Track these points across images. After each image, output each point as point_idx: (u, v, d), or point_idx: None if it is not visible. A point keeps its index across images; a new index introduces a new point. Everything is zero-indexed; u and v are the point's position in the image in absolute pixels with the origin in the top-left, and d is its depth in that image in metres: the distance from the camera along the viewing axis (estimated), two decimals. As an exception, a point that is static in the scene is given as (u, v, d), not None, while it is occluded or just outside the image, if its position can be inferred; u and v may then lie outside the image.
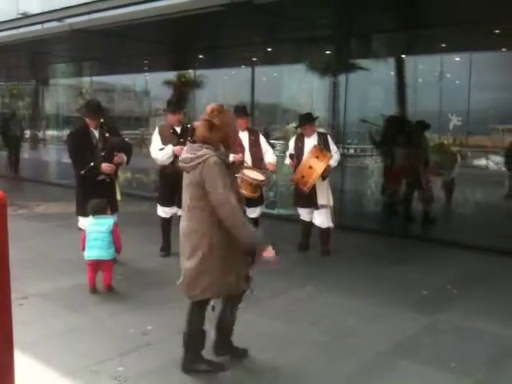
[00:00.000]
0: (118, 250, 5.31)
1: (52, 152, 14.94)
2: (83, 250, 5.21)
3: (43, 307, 4.85)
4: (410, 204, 8.57)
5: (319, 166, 6.29)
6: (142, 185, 11.49)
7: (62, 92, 15.05)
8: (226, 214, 3.27)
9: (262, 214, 7.02)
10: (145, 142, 11.39)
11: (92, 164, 5.78)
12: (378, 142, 8.92)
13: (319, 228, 6.77)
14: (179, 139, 6.37)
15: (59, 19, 9.45)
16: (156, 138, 6.47)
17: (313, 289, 5.47)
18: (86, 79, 13.93)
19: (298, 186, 6.56)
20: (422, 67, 8.63)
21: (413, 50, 8.76)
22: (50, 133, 15.55)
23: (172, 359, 3.75)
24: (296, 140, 6.83)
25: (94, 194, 5.53)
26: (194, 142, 3.53)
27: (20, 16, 10.69)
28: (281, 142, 10.09)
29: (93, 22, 8.61)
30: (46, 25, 9.72)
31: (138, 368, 3.68)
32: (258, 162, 6.65)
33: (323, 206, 6.64)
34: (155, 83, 12.42)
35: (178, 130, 6.47)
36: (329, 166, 6.41)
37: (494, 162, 8.05)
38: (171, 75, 12.00)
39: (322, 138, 6.69)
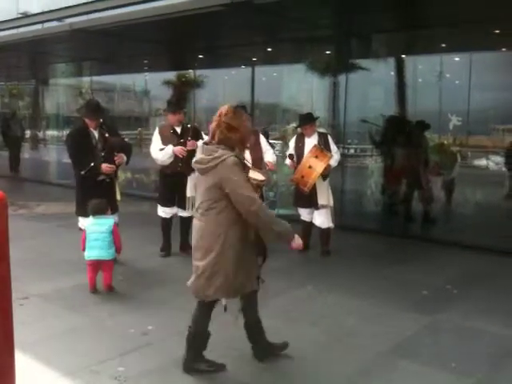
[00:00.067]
0: (118, 250, 5.32)
1: (52, 152, 14.93)
2: (84, 250, 5.21)
3: (44, 307, 4.85)
4: (410, 204, 8.57)
5: (319, 166, 6.29)
6: (143, 185, 11.49)
7: (62, 92, 15.05)
8: (254, 214, 3.31)
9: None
10: (144, 142, 11.40)
11: (92, 164, 5.78)
12: (378, 142, 8.92)
13: (319, 228, 6.77)
14: (179, 139, 6.37)
15: (59, 19, 9.45)
16: (156, 138, 6.47)
17: (313, 289, 5.48)
18: (86, 79, 13.93)
19: (298, 186, 6.55)
20: (421, 67, 8.63)
21: (413, 50, 8.76)
22: (50, 133, 15.55)
23: (172, 359, 3.76)
24: (296, 140, 6.83)
25: (94, 194, 5.53)
26: (206, 143, 3.55)
27: (20, 16, 10.70)
28: (279, 141, 10.10)
29: (93, 21, 8.61)
30: (46, 24, 9.72)
31: (138, 368, 3.68)
32: (258, 162, 6.64)
33: (323, 206, 6.64)
34: (155, 83, 12.42)
35: (179, 130, 6.47)
36: (329, 165, 6.41)
37: (494, 162, 8.06)
38: (171, 75, 12.00)
39: (323, 138, 6.69)
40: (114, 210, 5.96)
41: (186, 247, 6.74)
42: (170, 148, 6.30)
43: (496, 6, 6.21)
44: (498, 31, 7.36)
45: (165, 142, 6.38)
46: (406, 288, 5.53)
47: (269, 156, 6.68)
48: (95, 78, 13.86)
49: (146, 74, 13.03)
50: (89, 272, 5.22)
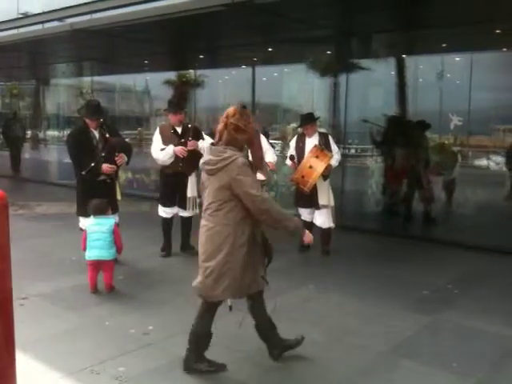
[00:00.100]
0: (119, 250, 5.32)
1: (53, 152, 14.95)
2: (84, 249, 5.22)
3: (44, 307, 4.85)
4: (410, 204, 8.57)
5: (319, 166, 6.29)
6: (143, 185, 11.49)
7: (63, 92, 15.07)
8: (266, 212, 3.35)
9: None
10: (145, 142, 11.40)
11: (92, 164, 5.79)
12: (379, 142, 8.92)
13: (320, 228, 6.77)
14: (180, 139, 6.38)
15: (60, 19, 9.45)
16: (157, 138, 6.48)
17: (313, 289, 5.48)
18: (87, 79, 13.94)
19: (299, 186, 6.56)
20: (422, 67, 8.63)
21: (413, 50, 8.77)
22: (51, 133, 15.57)
23: (173, 359, 3.76)
24: (297, 140, 6.83)
25: (95, 194, 5.54)
26: (214, 144, 3.57)
27: (21, 16, 10.69)
28: (278, 141, 10.10)
29: (93, 21, 8.62)
30: (47, 24, 9.72)
31: (139, 368, 3.69)
32: (259, 162, 6.63)
33: (324, 206, 6.64)
34: (156, 83, 12.43)
35: (179, 130, 6.47)
36: (329, 165, 6.41)
37: (494, 163, 8.06)
38: (172, 75, 12.01)
39: (323, 138, 6.69)
40: (114, 210, 5.97)
41: (186, 247, 6.75)
42: (170, 148, 6.30)
43: (496, 6, 6.21)
44: (498, 31, 7.36)
45: (165, 142, 6.39)
46: (406, 288, 5.53)
47: (269, 156, 6.68)
48: (96, 78, 13.87)
49: (147, 74, 13.04)
50: (89, 272, 5.22)
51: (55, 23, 9.55)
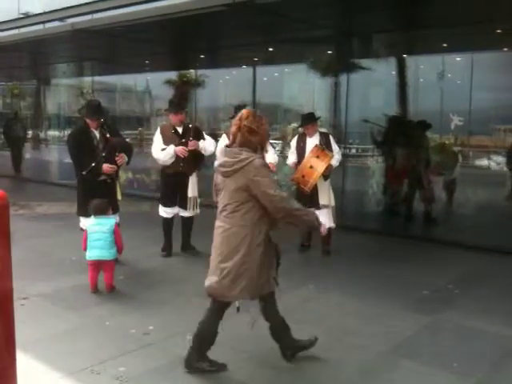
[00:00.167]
0: (119, 250, 5.33)
1: (54, 152, 14.96)
2: (85, 249, 5.22)
3: (45, 307, 4.86)
4: (411, 204, 8.57)
5: (320, 166, 6.29)
6: (144, 185, 11.50)
7: (64, 92, 15.07)
8: (284, 210, 3.43)
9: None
10: (145, 142, 11.40)
11: (93, 164, 5.79)
12: (380, 141, 8.92)
13: (320, 228, 6.76)
14: (181, 139, 6.38)
15: (61, 19, 9.46)
16: (157, 138, 6.48)
17: (313, 289, 5.48)
18: (88, 79, 13.95)
19: (299, 186, 6.56)
20: (423, 67, 8.63)
21: (414, 50, 8.76)
22: (52, 133, 15.58)
23: (174, 359, 3.77)
24: (298, 140, 6.83)
25: (95, 194, 5.55)
26: (228, 146, 3.61)
27: (21, 16, 10.70)
28: (279, 141, 10.09)
29: (94, 21, 8.62)
30: (48, 25, 9.73)
31: (139, 368, 3.69)
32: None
33: (325, 206, 6.64)
34: (156, 83, 12.43)
35: (180, 130, 6.47)
36: (330, 165, 6.41)
37: (495, 163, 8.05)
38: (173, 75, 12.01)
39: (324, 138, 6.69)
40: (115, 210, 5.97)
41: (187, 247, 6.76)
42: (171, 148, 6.31)
43: (497, 6, 6.21)
44: (499, 31, 7.36)
45: (166, 141, 6.39)
46: (406, 288, 5.54)
47: (270, 156, 6.67)
48: (96, 78, 13.87)
49: (148, 74, 13.04)
50: (90, 272, 5.23)
51: (56, 23, 9.56)
